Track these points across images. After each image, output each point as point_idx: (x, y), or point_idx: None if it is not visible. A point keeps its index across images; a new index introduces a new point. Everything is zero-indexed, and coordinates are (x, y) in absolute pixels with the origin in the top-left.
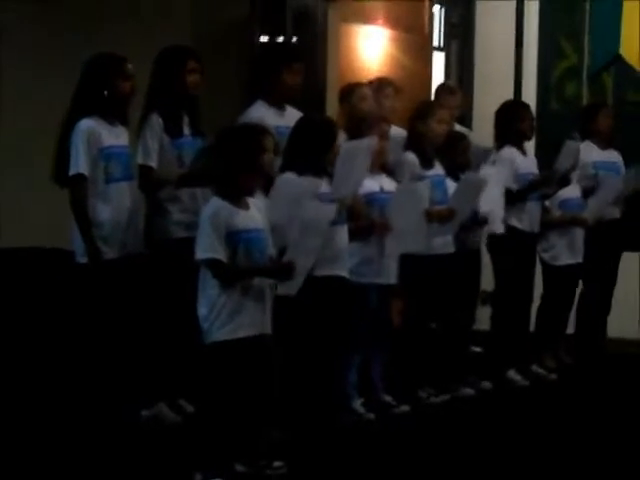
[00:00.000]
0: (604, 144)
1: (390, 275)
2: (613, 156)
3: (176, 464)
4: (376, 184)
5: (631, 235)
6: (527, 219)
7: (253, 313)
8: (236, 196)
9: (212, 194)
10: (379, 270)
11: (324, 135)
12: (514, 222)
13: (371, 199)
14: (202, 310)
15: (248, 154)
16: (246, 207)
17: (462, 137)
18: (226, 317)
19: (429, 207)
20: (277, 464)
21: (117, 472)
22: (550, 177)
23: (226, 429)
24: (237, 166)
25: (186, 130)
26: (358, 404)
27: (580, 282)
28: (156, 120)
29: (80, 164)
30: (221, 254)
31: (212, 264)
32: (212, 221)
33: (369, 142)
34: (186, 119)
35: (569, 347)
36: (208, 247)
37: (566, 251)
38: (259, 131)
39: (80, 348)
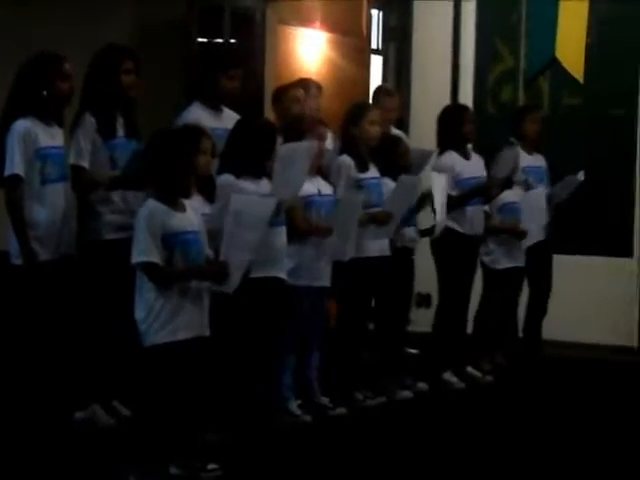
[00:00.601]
0: (531, 149)
1: (324, 278)
2: (538, 160)
3: (110, 467)
4: (314, 187)
5: (561, 238)
6: (468, 223)
7: (191, 315)
8: (172, 198)
9: (145, 196)
10: (314, 273)
11: (266, 138)
12: (455, 226)
13: (309, 202)
14: (139, 313)
15: (184, 155)
16: (182, 209)
17: (398, 140)
18: (164, 320)
19: (365, 210)
20: (212, 466)
21: (50, 474)
22: (487, 185)
23: (162, 431)
24: (173, 168)
25: (120, 131)
26: (294, 406)
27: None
28: (89, 120)
29: (16, 165)
30: (156, 257)
31: (147, 267)
32: (148, 223)
33: (309, 145)
34: (121, 120)
35: (505, 349)
36: (144, 250)
37: (506, 255)
38: (195, 132)
39: (14, 350)
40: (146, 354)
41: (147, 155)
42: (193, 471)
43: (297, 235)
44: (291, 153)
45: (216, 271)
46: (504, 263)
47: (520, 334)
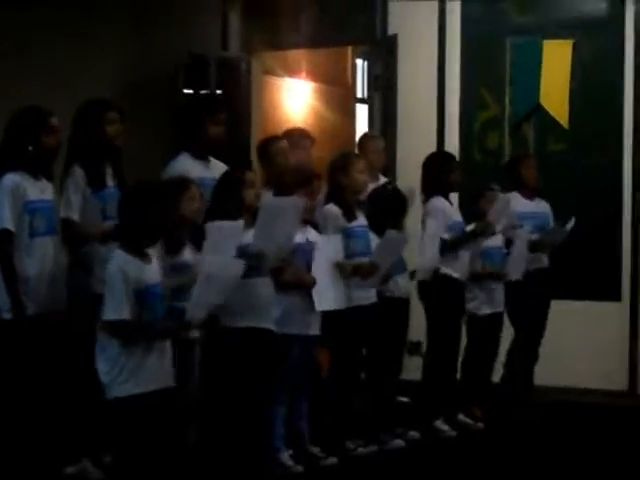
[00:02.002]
0: (530, 194)
1: (313, 326)
2: (541, 206)
3: None
4: (302, 236)
5: (558, 283)
6: (460, 267)
7: (154, 368)
8: (140, 250)
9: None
10: (302, 321)
11: (234, 183)
12: (448, 271)
13: (298, 250)
14: (102, 366)
15: (159, 208)
16: (149, 260)
17: (397, 194)
18: (127, 374)
19: (351, 260)
20: None
21: None
22: (488, 228)
23: None
24: (149, 220)
25: (109, 181)
26: (286, 456)
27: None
28: (78, 172)
29: (6, 219)
30: (128, 314)
31: (119, 325)
32: (122, 278)
33: (294, 202)
34: (109, 170)
35: (496, 396)
36: (117, 308)
37: (487, 301)
38: (182, 183)
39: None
40: (111, 407)
41: (124, 208)
42: None
43: (285, 286)
44: (276, 208)
45: (180, 331)
46: (485, 309)
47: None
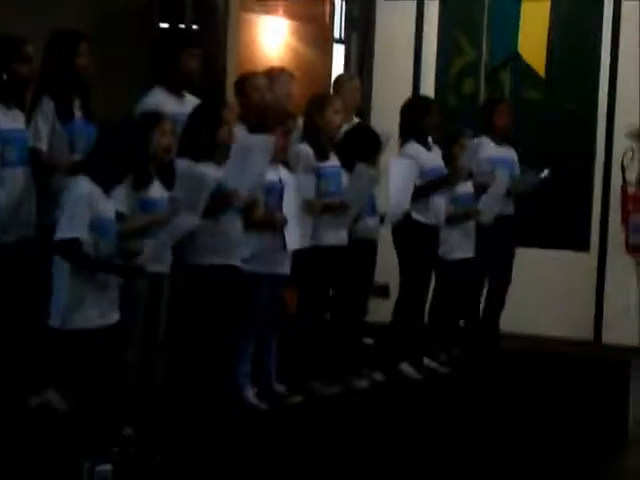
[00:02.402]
0: (500, 140)
1: (284, 265)
2: (509, 152)
3: (65, 451)
4: (275, 175)
5: (524, 231)
6: (432, 213)
7: (100, 303)
8: (104, 183)
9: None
10: (273, 260)
11: (208, 119)
12: (418, 217)
13: (270, 189)
14: (53, 297)
15: (132, 146)
16: (109, 195)
17: (373, 133)
18: (74, 306)
19: (323, 199)
20: None
21: (6, 460)
22: (452, 175)
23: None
24: (120, 157)
25: (77, 114)
26: (251, 394)
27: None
28: (47, 103)
29: None
30: (82, 234)
31: (71, 244)
32: (83, 201)
33: (266, 140)
34: (77, 103)
35: (462, 341)
36: (72, 226)
37: (458, 246)
38: (154, 118)
39: None
40: (57, 336)
41: (99, 142)
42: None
43: (256, 225)
44: (248, 146)
45: (131, 272)
46: (456, 254)
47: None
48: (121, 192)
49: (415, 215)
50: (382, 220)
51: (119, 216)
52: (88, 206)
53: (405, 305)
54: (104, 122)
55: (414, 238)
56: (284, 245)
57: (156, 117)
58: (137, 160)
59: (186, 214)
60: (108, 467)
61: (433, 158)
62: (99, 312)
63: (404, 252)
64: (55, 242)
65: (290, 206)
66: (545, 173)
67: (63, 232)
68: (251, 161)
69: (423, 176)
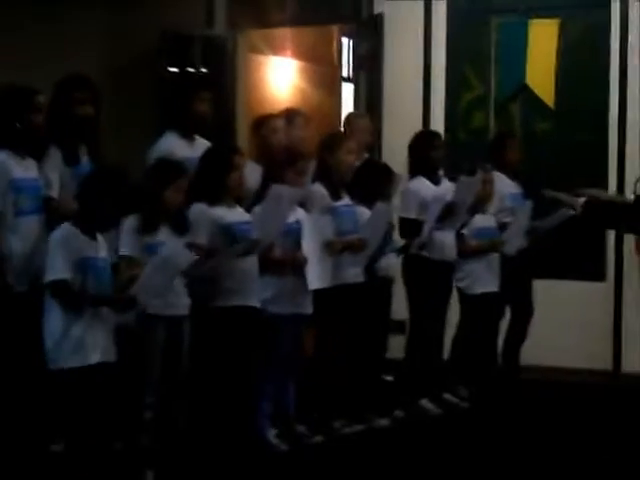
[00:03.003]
0: (512, 175)
1: (306, 306)
2: (519, 187)
3: None
4: (292, 216)
5: (540, 263)
6: (437, 249)
7: (96, 341)
8: (90, 228)
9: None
10: (294, 301)
11: (219, 165)
12: (423, 252)
13: (288, 231)
14: (46, 336)
15: (112, 194)
16: (94, 237)
17: (385, 168)
18: (70, 345)
19: (339, 237)
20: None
21: None
22: (451, 210)
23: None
24: (103, 204)
25: (84, 158)
26: (272, 435)
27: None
28: (54, 152)
29: None
30: (68, 276)
31: (58, 286)
32: (63, 245)
33: (297, 192)
34: (84, 149)
35: (482, 375)
36: (57, 269)
37: (482, 280)
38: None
39: None
40: (54, 378)
41: (82, 191)
42: None
43: (275, 266)
44: (280, 195)
45: (123, 303)
46: (480, 288)
47: (499, 360)
48: (128, 235)
49: (419, 252)
50: (400, 251)
51: (122, 258)
52: (68, 249)
53: (416, 341)
54: (92, 169)
55: (420, 274)
56: (305, 285)
57: (174, 173)
58: (124, 204)
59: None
60: None
61: (440, 193)
62: (90, 351)
63: (412, 288)
64: (45, 284)
65: (309, 246)
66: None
67: (51, 274)
68: (278, 211)
69: (423, 210)
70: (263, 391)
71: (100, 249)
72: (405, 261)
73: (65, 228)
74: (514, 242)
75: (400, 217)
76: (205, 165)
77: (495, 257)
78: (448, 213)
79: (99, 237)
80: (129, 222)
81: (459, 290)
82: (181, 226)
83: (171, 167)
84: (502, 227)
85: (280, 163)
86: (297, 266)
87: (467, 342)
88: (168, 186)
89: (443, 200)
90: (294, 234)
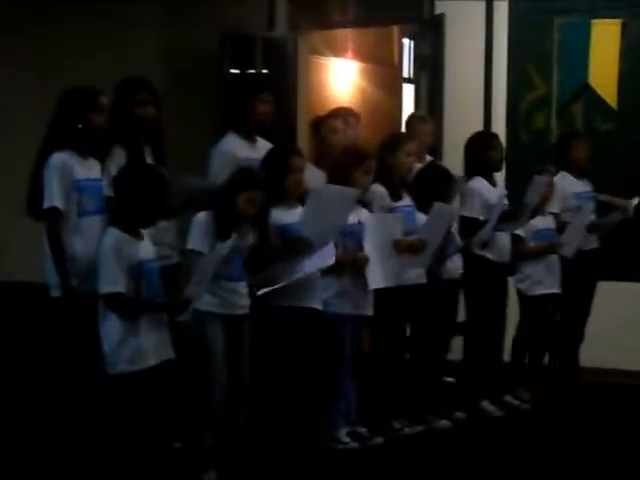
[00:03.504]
0: (578, 174)
1: (366, 307)
2: (587, 186)
3: None
4: (355, 216)
5: (606, 264)
6: (497, 249)
7: (156, 341)
8: (133, 228)
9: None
10: (355, 301)
11: (277, 167)
12: (484, 252)
13: (349, 231)
14: (106, 344)
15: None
16: (141, 237)
17: (447, 172)
18: (128, 350)
19: (399, 239)
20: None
21: None
22: (520, 211)
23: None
24: (144, 200)
25: (149, 160)
26: (344, 433)
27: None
28: (118, 152)
29: (54, 197)
30: (123, 287)
31: (115, 298)
32: (115, 253)
33: (354, 193)
34: (148, 150)
35: (542, 378)
36: (111, 281)
37: (542, 281)
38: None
39: (53, 382)
40: (113, 382)
41: (120, 184)
42: None
43: (336, 267)
44: (334, 197)
45: (178, 306)
46: (540, 289)
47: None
48: (199, 231)
49: (481, 252)
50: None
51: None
52: (120, 256)
53: (475, 343)
54: (121, 167)
55: (481, 275)
56: (365, 286)
57: (249, 182)
58: (161, 200)
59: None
60: None
61: (497, 194)
62: (148, 354)
63: (471, 290)
64: (101, 296)
65: (373, 245)
66: (636, 201)
67: (105, 287)
68: (332, 210)
69: (487, 211)
70: (338, 390)
71: (148, 249)
72: (464, 262)
73: (113, 234)
74: (572, 244)
75: (462, 216)
76: (265, 167)
77: (555, 258)
78: (514, 214)
79: (145, 236)
80: (200, 219)
81: (519, 292)
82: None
83: (248, 176)
84: (563, 227)
85: (345, 164)
86: (359, 266)
87: (527, 344)
88: (240, 194)
89: (504, 201)
90: (356, 235)
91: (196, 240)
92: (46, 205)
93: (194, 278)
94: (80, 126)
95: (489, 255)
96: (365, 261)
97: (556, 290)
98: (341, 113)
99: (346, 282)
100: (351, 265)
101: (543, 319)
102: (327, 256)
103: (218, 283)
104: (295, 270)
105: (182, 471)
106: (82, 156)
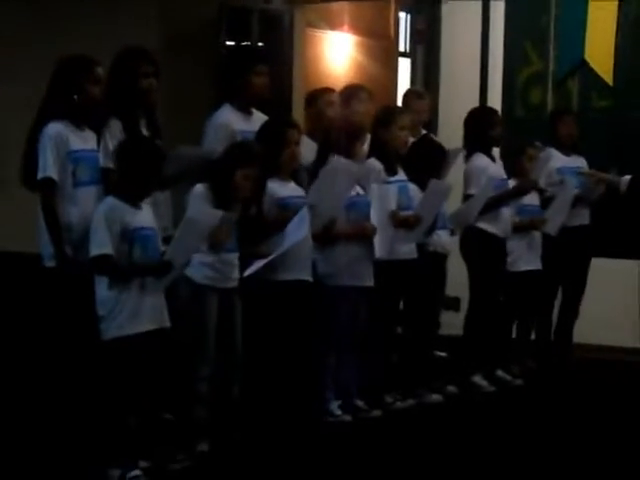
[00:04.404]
0: (567, 150)
1: (368, 278)
2: (578, 162)
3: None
4: (353, 189)
5: (600, 241)
6: (501, 225)
7: (151, 308)
8: (132, 198)
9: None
10: (358, 273)
11: (273, 139)
12: (488, 227)
13: (350, 203)
14: (100, 309)
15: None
16: (139, 207)
17: (439, 146)
18: (120, 315)
19: (396, 211)
20: (180, 457)
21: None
22: (529, 185)
23: (122, 427)
24: (142, 172)
25: (144, 132)
26: (335, 406)
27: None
28: (114, 123)
29: (48, 168)
30: (111, 250)
31: (102, 260)
32: (106, 218)
33: (356, 166)
34: (143, 122)
35: (535, 352)
36: (100, 244)
37: (524, 257)
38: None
39: (47, 351)
40: (107, 347)
41: (119, 157)
42: (161, 463)
43: (349, 236)
44: (342, 172)
45: (160, 268)
46: (522, 265)
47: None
48: (198, 202)
49: (484, 226)
50: (452, 232)
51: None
52: (111, 222)
53: (476, 317)
54: (121, 140)
55: (484, 249)
56: (371, 255)
57: (243, 158)
58: (159, 172)
59: None
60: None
61: (497, 169)
62: (142, 318)
63: (474, 264)
64: (89, 259)
65: (375, 216)
66: (626, 181)
67: (94, 249)
68: (338, 184)
69: (492, 187)
70: (326, 363)
71: (145, 217)
72: (464, 236)
73: (108, 201)
74: (556, 221)
75: (469, 194)
76: (260, 139)
77: (537, 236)
78: (522, 191)
79: (144, 206)
80: (199, 190)
81: None
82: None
83: (246, 152)
84: (548, 202)
85: (339, 136)
86: (368, 236)
87: (511, 320)
88: (238, 170)
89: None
90: (361, 206)
91: (195, 211)
92: (40, 175)
93: (176, 242)
94: (76, 97)
95: (493, 230)
96: (374, 231)
97: (538, 267)
98: (351, 88)
99: (350, 252)
100: (361, 235)
101: (526, 295)
102: (300, 229)
103: (214, 255)
104: (278, 245)
105: (174, 442)
106: (78, 127)
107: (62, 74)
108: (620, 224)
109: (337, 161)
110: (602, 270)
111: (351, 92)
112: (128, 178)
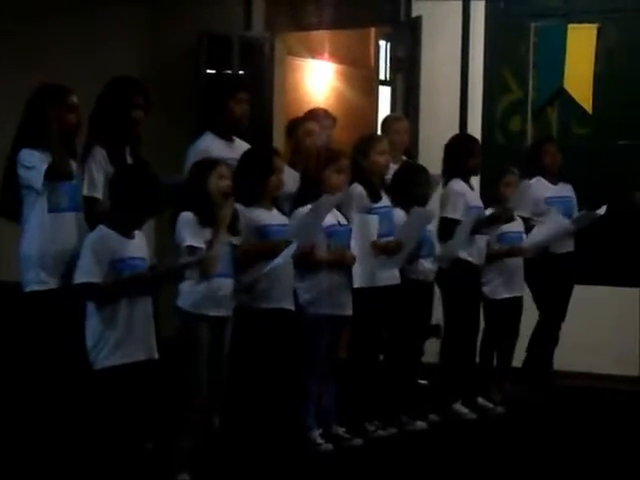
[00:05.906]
0: (554, 179)
1: (347, 307)
2: (566, 190)
3: None
4: (333, 218)
5: (583, 268)
6: (476, 252)
7: (137, 339)
8: (123, 227)
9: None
10: (336, 301)
11: (259, 167)
12: (464, 255)
13: (331, 232)
14: (89, 339)
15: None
16: (132, 236)
17: (421, 170)
18: (110, 345)
19: (377, 239)
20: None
21: None
22: (507, 213)
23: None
24: (135, 201)
25: (129, 160)
26: (316, 434)
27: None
28: (99, 152)
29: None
30: (97, 278)
31: (87, 287)
32: (94, 247)
33: (339, 198)
34: (128, 151)
35: (516, 380)
36: (85, 271)
37: (504, 285)
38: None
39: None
40: (96, 378)
41: (116, 186)
42: None
43: (322, 264)
44: (325, 204)
45: (150, 279)
46: (502, 293)
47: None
48: (190, 228)
49: (461, 254)
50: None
51: (193, 249)
52: (101, 250)
53: (452, 345)
54: (117, 169)
55: (459, 276)
56: (349, 285)
57: (212, 162)
58: (156, 201)
59: None
60: None
61: (475, 197)
62: (130, 348)
63: (448, 291)
64: (74, 286)
65: (356, 245)
66: (602, 210)
67: (79, 277)
68: (315, 219)
69: (469, 214)
70: (308, 391)
71: (136, 247)
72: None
73: (100, 230)
74: (534, 247)
75: (445, 217)
76: (245, 166)
77: (519, 263)
78: (500, 218)
79: (137, 235)
80: (186, 216)
81: (482, 295)
82: (233, 226)
83: (208, 160)
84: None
85: (318, 165)
86: (347, 264)
87: (494, 347)
88: (209, 175)
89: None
90: (342, 235)
91: (189, 237)
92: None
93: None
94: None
95: (469, 258)
96: (353, 260)
97: (519, 294)
98: (316, 115)
99: (330, 281)
100: (340, 263)
101: (506, 322)
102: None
103: (205, 281)
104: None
105: (155, 472)
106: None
107: (37, 102)
108: (602, 250)
109: (326, 199)
110: (583, 297)
111: (316, 118)
112: (124, 207)
